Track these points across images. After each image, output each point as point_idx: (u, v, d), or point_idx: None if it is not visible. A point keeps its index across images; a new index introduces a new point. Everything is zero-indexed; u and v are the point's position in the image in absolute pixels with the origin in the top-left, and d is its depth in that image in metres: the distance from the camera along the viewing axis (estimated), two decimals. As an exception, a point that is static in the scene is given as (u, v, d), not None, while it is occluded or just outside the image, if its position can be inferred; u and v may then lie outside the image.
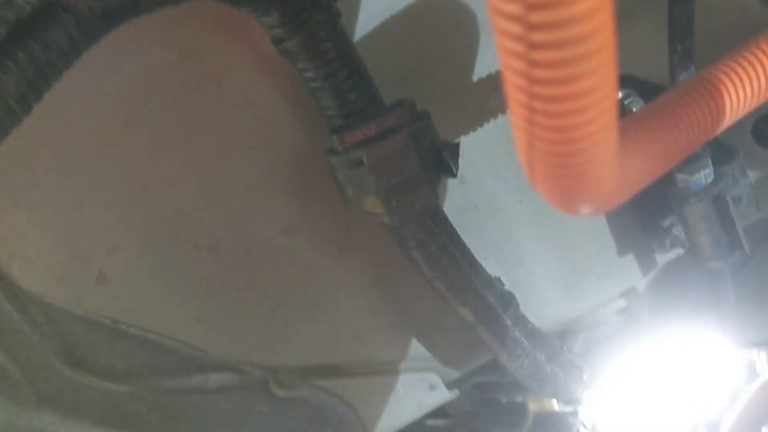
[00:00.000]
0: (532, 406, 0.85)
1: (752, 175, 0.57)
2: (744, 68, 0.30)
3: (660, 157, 0.29)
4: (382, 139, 0.41)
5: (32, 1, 0.33)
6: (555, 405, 0.87)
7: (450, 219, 0.49)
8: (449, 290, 0.47)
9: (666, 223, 0.58)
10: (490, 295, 0.49)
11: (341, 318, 0.56)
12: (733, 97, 0.30)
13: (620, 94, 0.53)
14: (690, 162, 0.49)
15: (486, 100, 0.50)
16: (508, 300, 0.51)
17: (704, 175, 0.49)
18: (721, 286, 0.56)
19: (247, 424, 0.57)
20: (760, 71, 0.30)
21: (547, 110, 0.19)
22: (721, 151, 0.52)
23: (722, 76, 0.30)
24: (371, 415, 0.60)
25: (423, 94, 0.45)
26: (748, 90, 0.30)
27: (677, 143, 0.29)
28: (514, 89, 0.20)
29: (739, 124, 0.54)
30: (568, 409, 0.91)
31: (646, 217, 0.59)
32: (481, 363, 0.62)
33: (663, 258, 0.62)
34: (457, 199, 0.53)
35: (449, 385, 0.62)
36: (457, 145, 0.44)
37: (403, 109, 0.42)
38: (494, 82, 0.50)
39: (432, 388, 0.61)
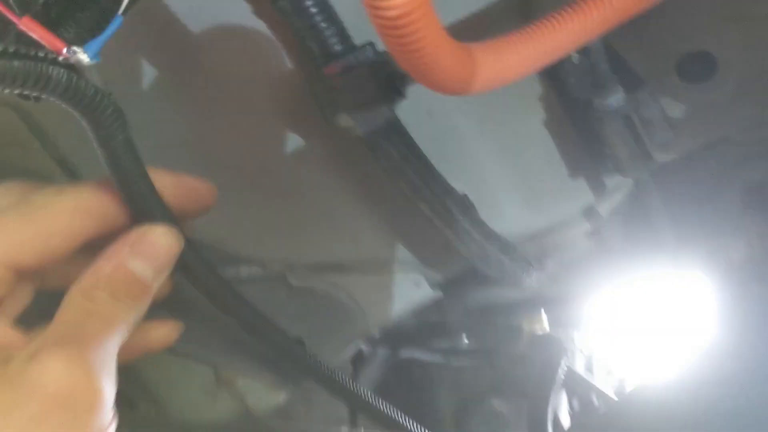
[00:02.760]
0: (526, 327, 0.98)
1: (678, 106, 0.69)
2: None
3: (508, 63, 0.43)
4: (351, 71, 0.57)
5: None
6: (546, 327, 1.00)
7: (421, 146, 0.64)
8: (410, 190, 0.62)
9: (607, 149, 0.71)
10: (446, 196, 0.63)
11: (340, 224, 0.71)
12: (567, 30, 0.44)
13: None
14: (602, 89, 0.62)
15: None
16: (467, 206, 0.66)
17: (615, 99, 0.62)
18: (645, 195, 0.68)
19: (271, 307, 0.73)
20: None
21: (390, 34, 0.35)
22: (633, 80, 0.64)
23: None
24: (369, 305, 0.75)
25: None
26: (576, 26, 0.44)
27: (521, 55, 0.44)
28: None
29: (664, 61, 0.67)
30: (560, 333, 1.04)
31: (591, 143, 0.72)
32: (458, 270, 0.77)
33: (610, 181, 0.75)
34: (426, 130, 0.68)
35: (434, 287, 0.77)
36: (407, 74, 0.58)
37: (366, 48, 0.57)
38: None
39: (417, 285, 0.75)
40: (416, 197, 0.62)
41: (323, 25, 0.57)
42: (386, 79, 0.58)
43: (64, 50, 0.35)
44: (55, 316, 0.38)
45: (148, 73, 0.61)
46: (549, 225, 0.77)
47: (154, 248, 0.40)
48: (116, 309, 0.38)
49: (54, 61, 0.34)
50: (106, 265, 0.39)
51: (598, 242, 0.87)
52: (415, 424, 0.70)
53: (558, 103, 0.70)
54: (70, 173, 0.64)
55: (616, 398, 1.07)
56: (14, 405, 0.33)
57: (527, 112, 0.70)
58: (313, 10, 0.57)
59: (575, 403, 1.26)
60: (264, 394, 0.75)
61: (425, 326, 1.08)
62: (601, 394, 1.04)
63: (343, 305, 0.74)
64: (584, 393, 1.19)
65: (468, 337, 0.99)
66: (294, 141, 0.67)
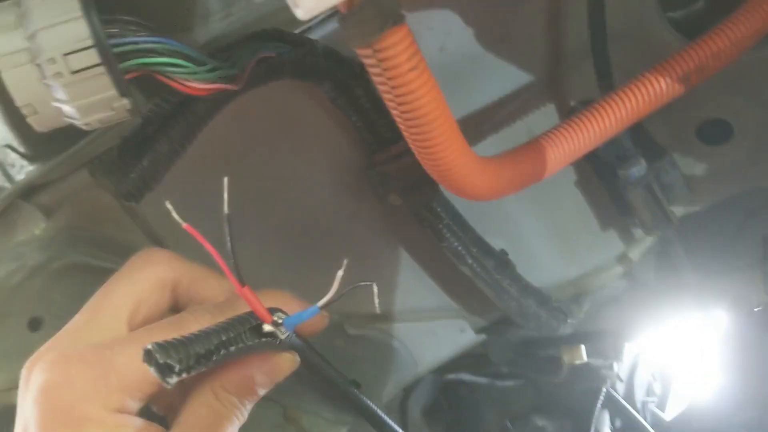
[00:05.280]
0: (566, 359, 1.05)
1: (699, 166, 0.75)
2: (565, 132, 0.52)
3: (519, 173, 0.51)
4: (400, 157, 0.65)
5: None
6: (584, 357, 1.06)
7: (462, 208, 0.71)
8: (453, 255, 0.70)
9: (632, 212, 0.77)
10: (485, 258, 0.71)
11: (392, 278, 0.79)
12: (558, 151, 0.52)
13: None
14: (625, 161, 0.69)
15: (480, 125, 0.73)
16: (505, 263, 0.73)
17: (637, 170, 0.69)
18: (669, 248, 0.75)
19: (329, 354, 0.81)
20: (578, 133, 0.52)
21: (419, 146, 0.43)
22: (655, 149, 0.71)
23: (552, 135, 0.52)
24: (419, 350, 0.83)
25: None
26: (567, 146, 0.52)
27: (528, 167, 0.51)
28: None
29: (684, 126, 0.73)
30: (600, 362, 1.10)
31: (619, 200, 0.78)
32: (498, 316, 0.84)
33: (638, 232, 0.81)
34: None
35: (477, 331, 0.84)
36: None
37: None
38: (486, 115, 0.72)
39: (462, 331, 0.83)
40: (459, 262, 0.70)
41: (374, 116, 0.65)
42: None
43: (270, 323, 0.41)
44: (189, 410, 0.44)
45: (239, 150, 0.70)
46: (584, 272, 0.83)
47: (277, 370, 0.47)
48: (239, 411, 0.45)
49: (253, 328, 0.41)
50: (236, 374, 0.45)
51: (631, 281, 0.93)
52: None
53: (588, 165, 0.76)
54: (157, 243, 0.74)
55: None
56: None
57: (559, 173, 0.77)
58: (366, 104, 0.65)
59: (618, 423, 1.32)
60: (327, 430, 0.83)
61: (470, 354, 1.15)
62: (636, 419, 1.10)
63: (395, 351, 0.82)
64: (625, 414, 1.25)
65: (510, 368, 1.06)
66: (350, 206, 0.75)
